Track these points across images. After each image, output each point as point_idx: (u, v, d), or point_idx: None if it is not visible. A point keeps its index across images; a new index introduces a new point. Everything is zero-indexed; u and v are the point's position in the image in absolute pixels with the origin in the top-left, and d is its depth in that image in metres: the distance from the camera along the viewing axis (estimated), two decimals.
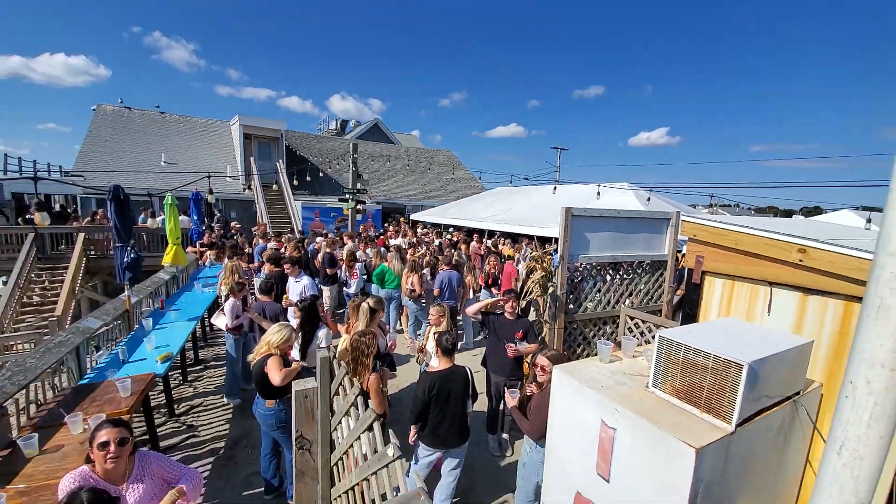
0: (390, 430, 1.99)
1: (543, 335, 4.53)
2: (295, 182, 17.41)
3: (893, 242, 0.85)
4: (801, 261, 2.31)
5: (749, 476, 1.95)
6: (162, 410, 4.77)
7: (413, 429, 3.19)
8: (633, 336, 3.85)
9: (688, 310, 3.03)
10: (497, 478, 3.94)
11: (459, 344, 5.51)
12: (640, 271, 4.76)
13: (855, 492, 0.89)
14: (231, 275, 5.93)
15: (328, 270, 7.72)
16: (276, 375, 3.09)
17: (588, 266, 4.46)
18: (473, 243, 10.68)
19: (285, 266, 6.10)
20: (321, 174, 21.23)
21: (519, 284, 6.37)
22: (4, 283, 9.70)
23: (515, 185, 17.19)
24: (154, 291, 6.49)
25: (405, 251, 8.81)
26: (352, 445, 2.40)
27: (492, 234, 13.09)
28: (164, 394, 4.77)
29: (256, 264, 7.99)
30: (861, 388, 0.88)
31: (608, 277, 4.64)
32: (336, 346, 3.97)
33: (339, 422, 2.65)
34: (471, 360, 6.25)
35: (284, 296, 5.67)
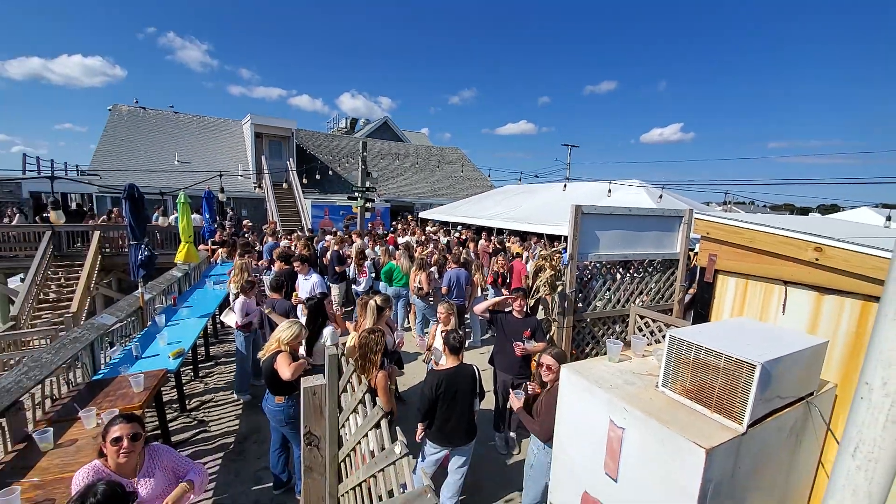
0: (397, 428, 1.99)
1: (552, 334, 4.50)
2: (305, 180, 17.54)
3: None
4: (817, 259, 2.26)
5: (759, 477, 1.91)
6: (174, 406, 4.84)
7: (420, 426, 3.19)
8: (644, 335, 3.80)
9: (699, 309, 2.99)
10: (504, 476, 3.93)
11: (467, 342, 5.51)
12: (650, 270, 4.70)
13: (868, 494, 0.86)
14: (241, 273, 5.99)
15: (337, 268, 7.76)
16: (285, 370, 3.12)
17: (598, 264, 4.41)
18: (482, 241, 10.66)
19: (295, 264, 6.15)
20: (331, 172, 21.35)
21: (528, 282, 6.34)
22: (22, 280, 9.93)
23: (525, 182, 17.08)
24: (167, 289, 6.59)
25: (414, 249, 8.82)
26: (359, 442, 2.41)
27: (501, 232, 13.04)
28: (175, 389, 4.84)
29: (265, 262, 8.06)
30: (877, 390, 0.85)
31: (618, 276, 4.60)
32: (344, 344, 3.99)
33: (347, 419, 2.67)
34: (478, 358, 6.24)
35: (294, 293, 5.72)
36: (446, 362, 3.23)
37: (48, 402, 3.49)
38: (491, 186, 24.66)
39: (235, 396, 5.18)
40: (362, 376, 2.95)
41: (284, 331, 3.31)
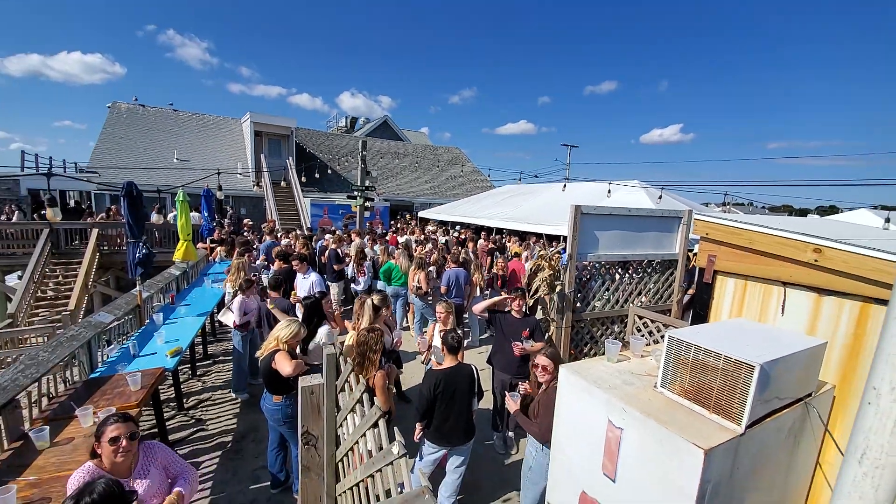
0: (395, 428, 1.99)
1: (550, 334, 4.50)
2: (304, 179, 17.51)
3: None
4: (816, 261, 2.26)
5: (758, 478, 1.91)
6: (171, 404, 4.83)
7: (419, 426, 3.19)
8: (642, 336, 3.80)
9: (698, 310, 2.98)
10: (502, 475, 3.93)
11: (466, 342, 5.50)
12: (649, 270, 4.71)
13: (875, 502, 0.85)
14: (237, 272, 5.98)
15: (335, 267, 7.76)
16: (286, 366, 3.11)
17: (597, 264, 4.41)
18: (481, 241, 10.65)
19: (294, 262, 6.14)
20: (330, 171, 21.34)
21: (526, 282, 6.34)
22: (20, 278, 9.90)
23: (525, 182, 17.08)
24: (165, 287, 6.57)
25: (413, 248, 8.81)
26: (357, 442, 2.40)
27: (500, 231, 13.04)
28: (173, 388, 4.83)
29: (262, 259, 8.05)
30: (885, 395, 0.84)
31: (617, 276, 4.60)
32: (343, 343, 3.98)
33: (345, 418, 2.66)
34: (477, 358, 6.24)
35: (293, 292, 5.71)
36: (444, 362, 3.23)
37: (45, 401, 3.47)
38: (490, 186, 24.67)
39: (233, 395, 5.17)
40: (360, 375, 2.95)
41: (283, 329, 3.30)
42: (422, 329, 6.91)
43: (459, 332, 3.41)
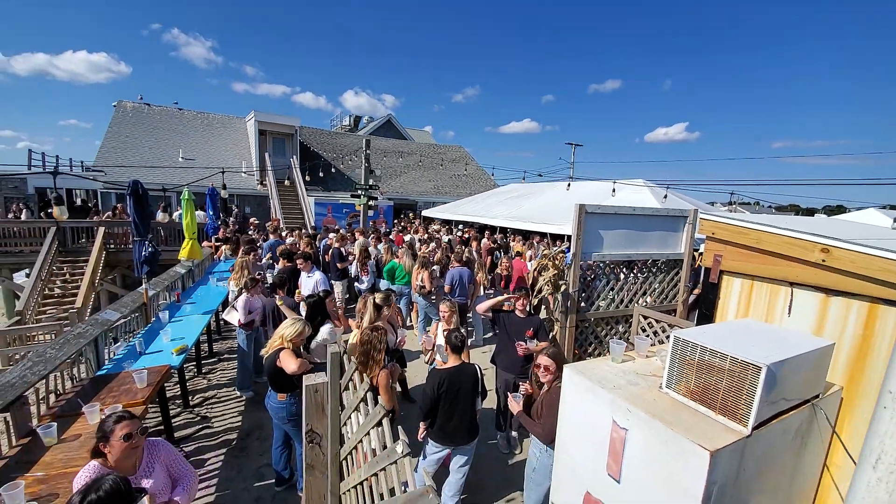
0: (399, 427, 1.99)
1: (554, 334, 4.49)
2: (308, 178, 17.56)
3: None
4: (823, 261, 2.24)
5: (764, 479, 1.90)
6: (177, 401, 4.86)
7: (422, 425, 3.19)
8: (647, 336, 3.78)
9: (704, 310, 2.97)
10: (506, 475, 3.93)
11: (469, 341, 5.49)
12: (654, 270, 4.68)
13: None
14: (241, 270, 6.01)
15: (338, 265, 7.78)
16: (291, 364, 3.12)
17: (601, 264, 4.40)
18: (484, 240, 10.65)
19: (298, 261, 6.15)
20: (334, 170, 21.37)
21: (529, 281, 6.33)
22: (28, 276, 10.00)
23: (529, 181, 17.06)
24: (170, 285, 6.61)
25: (417, 247, 8.82)
26: (361, 440, 2.41)
27: (504, 231, 13.02)
28: (179, 385, 4.86)
29: (267, 257, 8.07)
30: None
31: (622, 276, 4.58)
32: (346, 341, 3.99)
33: (349, 417, 2.67)
34: (480, 357, 6.24)
35: (297, 290, 5.72)
36: (448, 361, 3.23)
37: (52, 397, 3.51)
38: (494, 185, 24.64)
39: (238, 393, 5.20)
40: (364, 374, 2.95)
41: (288, 327, 3.32)
42: (425, 328, 6.91)
43: (463, 331, 3.41)
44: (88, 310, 9.19)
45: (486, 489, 3.74)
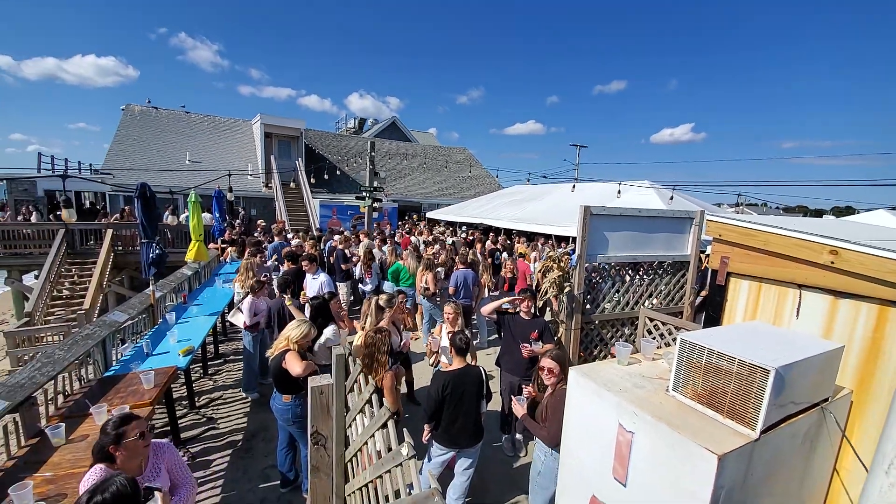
0: (405, 429, 1.99)
1: (559, 336, 4.47)
2: (313, 180, 17.63)
3: None
4: (832, 263, 2.21)
5: (772, 484, 1.88)
6: (183, 403, 4.89)
7: (427, 427, 3.19)
8: (653, 338, 3.76)
9: (711, 312, 2.94)
10: (511, 478, 3.91)
11: (474, 343, 5.48)
12: (661, 272, 4.65)
13: None
14: (246, 272, 6.03)
15: (343, 266, 7.81)
16: (296, 366, 3.13)
17: (606, 266, 4.38)
18: (488, 242, 10.63)
19: (303, 263, 6.18)
20: (339, 172, 21.45)
21: (534, 283, 6.31)
22: (36, 277, 10.11)
23: (533, 183, 17.03)
24: (177, 287, 6.66)
25: (422, 249, 8.83)
26: (366, 442, 2.41)
27: (508, 232, 13.00)
28: (185, 386, 4.89)
29: (273, 259, 8.12)
30: None
31: (627, 277, 4.55)
32: (351, 343, 4.00)
33: (354, 418, 2.67)
34: (485, 359, 6.23)
35: (302, 292, 5.75)
36: (453, 363, 3.22)
37: (60, 398, 3.54)
38: (499, 187, 24.61)
39: (244, 394, 5.22)
40: (369, 376, 2.95)
41: (293, 329, 3.33)
42: (430, 330, 6.91)
43: (468, 333, 3.40)
44: (96, 311, 9.27)
45: (491, 492, 3.72)
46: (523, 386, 3.34)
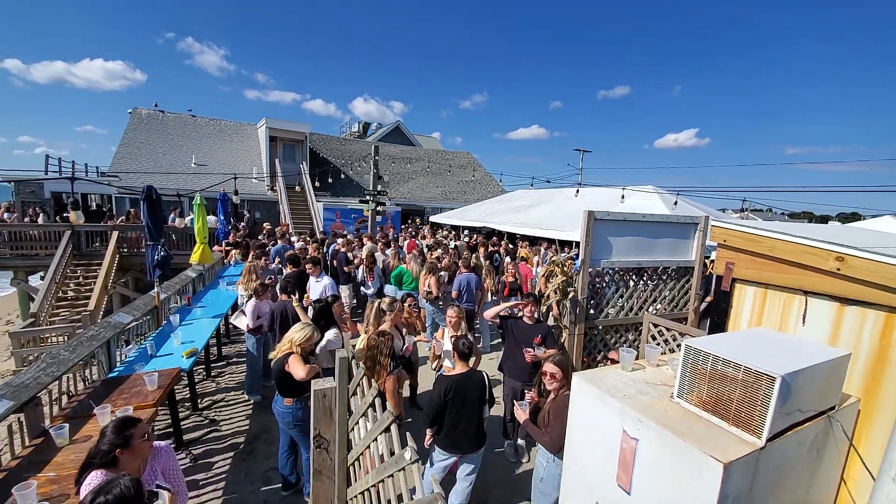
0: (407, 434, 1.98)
1: (563, 341, 4.46)
2: (317, 183, 17.71)
3: None
4: (838, 269, 2.20)
5: (778, 492, 1.86)
6: (186, 404, 4.90)
7: (429, 432, 3.17)
8: (657, 344, 3.74)
9: (716, 318, 2.93)
10: (513, 484, 3.89)
11: (477, 347, 5.47)
12: (665, 277, 4.64)
13: None
14: (248, 275, 6.05)
15: (345, 268, 7.84)
16: (300, 370, 3.13)
17: (610, 271, 4.37)
18: (488, 245, 10.63)
19: (307, 266, 6.20)
20: (343, 176, 21.53)
21: (537, 288, 6.30)
22: (42, 278, 10.18)
23: (536, 187, 17.02)
24: (182, 289, 6.69)
25: (427, 253, 8.84)
26: (368, 446, 2.40)
27: (512, 236, 12.99)
28: (188, 388, 4.90)
29: (277, 262, 8.14)
30: None
31: (631, 283, 4.54)
32: (354, 346, 4.00)
33: (357, 422, 2.67)
34: (487, 364, 6.21)
35: (306, 295, 5.76)
36: (455, 368, 3.21)
37: (64, 399, 3.55)
38: (502, 191, 24.62)
39: (246, 397, 5.22)
40: (372, 380, 2.95)
41: (297, 332, 3.33)
42: (433, 334, 6.90)
43: (470, 337, 3.39)
44: (101, 312, 9.32)
45: (494, 498, 3.70)
46: (526, 391, 3.32)
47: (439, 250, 9.40)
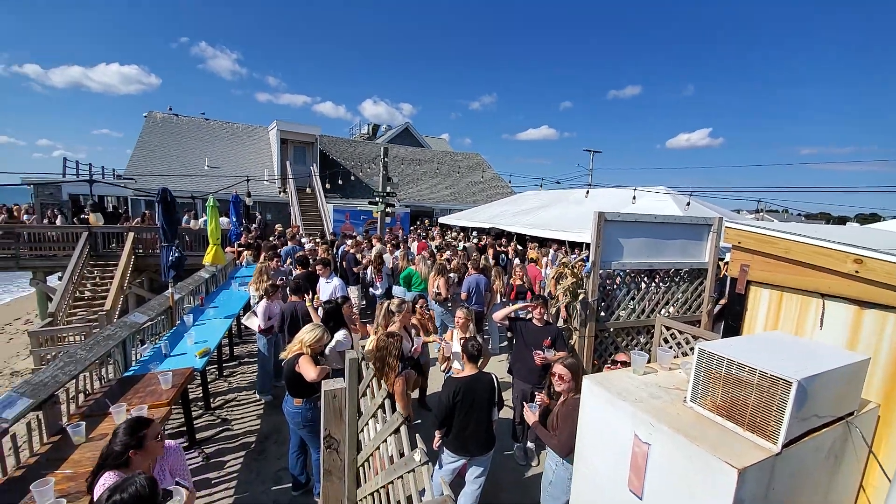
0: (417, 435, 1.98)
1: (573, 343, 4.42)
2: (327, 185, 17.85)
3: None
4: (857, 272, 2.15)
5: (795, 499, 1.82)
6: (198, 403, 4.96)
7: (437, 434, 3.17)
8: (670, 347, 3.69)
9: (730, 321, 2.88)
10: (523, 487, 3.87)
11: (488, 348, 5.45)
12: (677, 279, 4.58)
13: None
14: (260, 276, 6.12)
15: (354, 269, 7.89)
16: (311, 371, 3.15)
17: (621, 273, 4.32)
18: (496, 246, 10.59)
19: (317, 267, 6.25)
20: (352, 177, 21.65)
21: (547, 290, 6.26)
22: (60, 279, 10.41)
23: (546, 188, 16.94)
24: (195, 289, 6.79)
25: (437, 254, 8.85)
26: (378, 447, 2.41)
27: (521, 238, 12.94)
28: (201, 387, 4.97)
29: (288, 263, 8.22)
30: None
31: (643, 285, 4.49)
32: (363, 347, 4.02)
33: (367, 423, 2.68)
34: (496, 366, 6.18)
35: (316, 296, 5.80)
36: (465, 370, 3.20)
37: (81, 397, 3.62)
38: (511, 192, 24.55)
39: (257, 396, 5.28)
40: (382, 381, 2.96)
41: (308, 333, 3.35)
42: (442, 336, 6.90)
43: (480, 339, 3.38)
44: (117, 312, 9.50)
45: (503, 501, 3.68)
46: (536, 393, 3.30)
47: (448, 252, 9.40)
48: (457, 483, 3.33)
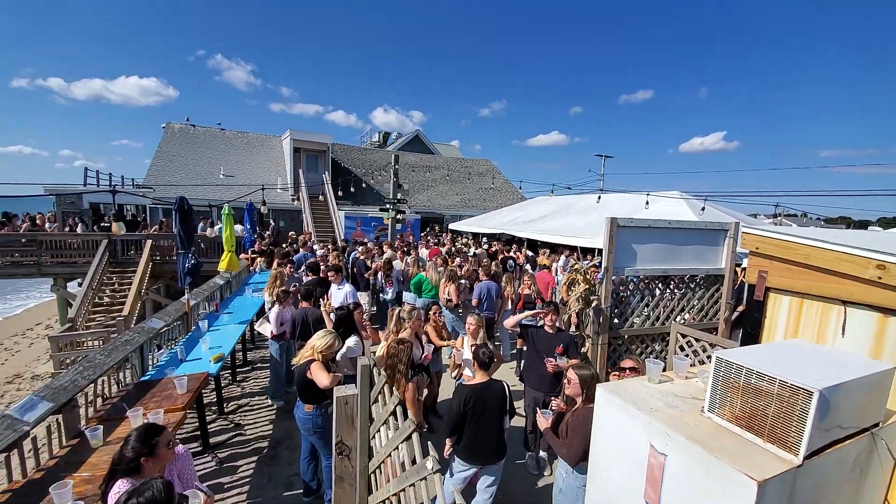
0: (429, 443, 1.98)
1: (585, 351, 4.37)
2: (339, 192, 18.04)
3: None
4: (880, 278, 2.09)
5: None
6: (212, 408, 5.02)
7: (448, 442, 3.14)
8: (686, 355, 3.62)
9: (749, 329, 2.82)
10: (534, 496, 3.81)
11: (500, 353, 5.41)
12: (693, 286, 4.50)
13: None
14: (275, 281, 6.19)
15: (366, 275, 7.94)
16: (323, 378, 3.16)
17: (635, 279, 4.27)
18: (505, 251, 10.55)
19: (329, 274, 6.29)
20: (364, 185, 21.86)
21: (559, 296, 6.21)
22: (80, 285, 10.67)
23: (557, 194, 16.85)
24: (210, 295, 6.89)
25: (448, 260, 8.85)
26: (390, 454, 2.40)
27: (532, 243, 12.88)
28: (215, 392, 5.02)
29: (302, 269, 8.30)
30: None
31: (657, 291, 4.42)
32: (374, 353, 4.03)
33: (378, 430, 2.67)
34: (507, 372, 6.13)
35: (327, 302, 5.84)
36: (476, 377, 3.18)
37: (99, 401, 3.69)
38: (522, 198, 24.48)
39: (270, 402, 5.31)
40: (394, 387, 2.96)
41: (319, 339, 3.37)
42: None
43: (491, 346, 3.36)
44: (135, 318, 9.69)
45: None
46: (551, 399, 3.27)
47: (458, 258, 9.39)
48: (468, 492, 3.30)
